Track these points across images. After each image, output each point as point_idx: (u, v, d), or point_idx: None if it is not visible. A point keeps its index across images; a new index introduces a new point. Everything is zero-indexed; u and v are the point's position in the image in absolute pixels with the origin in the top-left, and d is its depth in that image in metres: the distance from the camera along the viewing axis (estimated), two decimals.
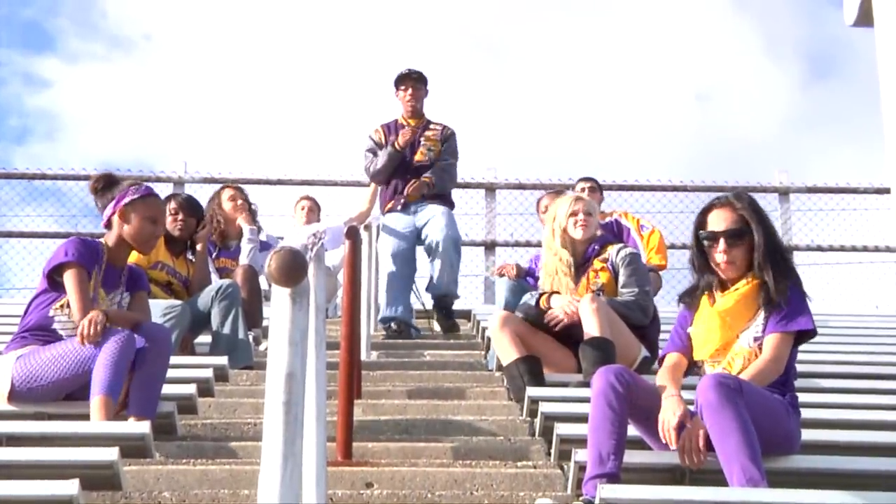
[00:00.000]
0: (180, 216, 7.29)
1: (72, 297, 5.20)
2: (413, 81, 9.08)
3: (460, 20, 30.09)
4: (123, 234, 5.45)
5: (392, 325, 8.63)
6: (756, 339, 4.55)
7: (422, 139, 8.95)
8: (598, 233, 6.54)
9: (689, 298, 4.73)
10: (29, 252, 12.00)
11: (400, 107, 9.15)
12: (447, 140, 9.03)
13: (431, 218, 8.77)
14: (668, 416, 4.33)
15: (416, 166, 8.89)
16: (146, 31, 31.28)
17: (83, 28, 31.64)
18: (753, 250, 4.59)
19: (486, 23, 30.16)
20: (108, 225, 5.50)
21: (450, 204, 9.05)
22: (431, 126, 9.07)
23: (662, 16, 29.90)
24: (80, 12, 32.00)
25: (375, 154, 8.94)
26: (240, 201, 8.21)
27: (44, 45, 31.77)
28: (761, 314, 4.56)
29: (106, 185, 5.54)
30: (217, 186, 8.79)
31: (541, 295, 6.27)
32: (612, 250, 6.40)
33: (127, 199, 5.46)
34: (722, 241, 4.59)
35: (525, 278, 7.73)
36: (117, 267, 5.47)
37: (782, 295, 4.52)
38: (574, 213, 6.39)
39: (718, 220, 4.63)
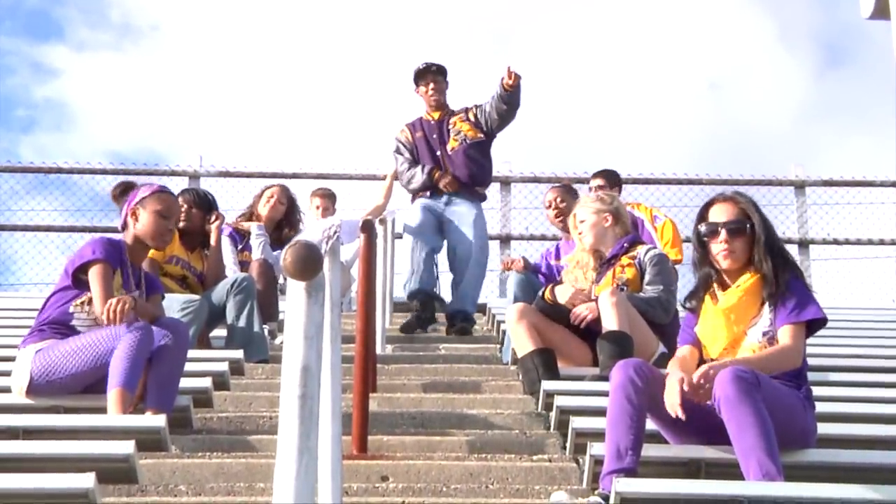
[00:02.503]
0: (185, 207, 7.29)
1: (95, 292, 5.24)
2: (433, 75, 8.79)
3: (473, 11, 30.08)
4: (137, 233, 5.50)
5: (419, 298, 8.45)
6: (765, 334, 4.55)
7: (449, 128, 8.71)
8: (616, 228, 6.50)
9: (693, 301, 4.76)
10: (45, 246, 12.00)
11: (422, 102, 8.87)
12: (478, 108, 8.68)
13: (461, 220, 8.55)
14: (671, 389, 4.33)
15: (450, 155, 8.65)
16: (153, 21, 31.24)
17: (91, 16, 31.62)
18: (753, 244, 4.62)
19: (498, 15, 30.15)
20: (125, 226, 5.56)
21: (481, 196, 8.79)
22: (455, 113, 8.78)
23: (676, 3, 29.85)
24: (87, 0, 31.99)
25: (401, 153, 8.72)
26: (273, 200, 8.24)
27: (51, 33, 31.74)
28: (766, 309, 4.57)
29: (123, 191, 5.68)
30: (231, 180, 8.84)
31: (547, 287, 6.36)
32: (641, 249, 6.44)
33: (137, 198, 5.54)
34: (723, 231, 4.62)
35: (534, 273, 7.71)
36: (136, 266, 5.54)
37: (784, 286, 4.54)
38: (576, 227, 6.53)
39: (720, 213, 4.67)
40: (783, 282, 4.55)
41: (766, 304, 4.57)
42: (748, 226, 4.62)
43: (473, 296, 8.65)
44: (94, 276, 5.26)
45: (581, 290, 6.24)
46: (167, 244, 5.65)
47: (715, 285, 4.69)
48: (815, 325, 4.59)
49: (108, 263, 5.30)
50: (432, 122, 8.79)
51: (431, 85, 8.78)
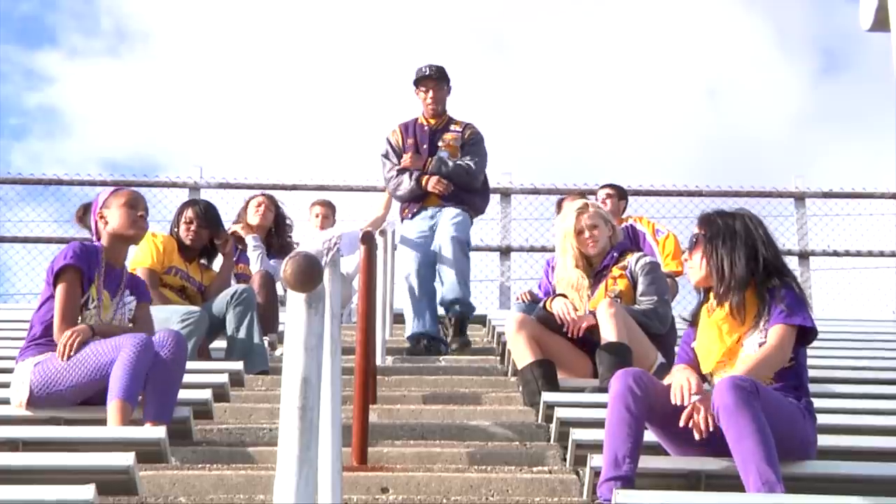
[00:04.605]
0: (194, 225, 7.21)
1: (57, 302, 5.28)
2: (433, 82, 8.45)
3: (472, 20, 30.09)
4: (111, 231, 5.54)
5: (423, 341, 8.19)
6: (761, 345, 4.55)
7: (440, 143, 8.43)
8: (613, 238, 6.49)
9: (692, 318, 4.83)
10: (43, 255, 11.95)
11: (420, 107, 8.56)
12: (468, 143, 8.44)
13: (444, 221, 8.28)
14: (681, 380, 4.38)
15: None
16: (146, 27, 31.11)
17: (85, 22, 31.51)
18: (707, 258, 4.69)
19: (497, 24, 30.16)
20: (98, 233, 5.60)
21: (474, 206, 8.50)
22: (452, 127, 8.52)
23: (675, 11, 29.87)
24: (80, 5, 31.90)
25: (389, 159, 8.45)
26: (262, 209, 8.24)
27: (44, 39, 31.59)
28: (763, 320, 4.59)
29: (85, 210, 5.75)
30: (231, 192, 8.86)
31: (548, 299, 6.34)
32: (631, 259, 6.39)
33: (100, 203, 5.60)
34: (687, 251, 4.83)
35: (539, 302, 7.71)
36: (116, 267, 5.54)
37: (776, 297, 4.57)
38: (580, 232, 6.37)
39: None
40: (773, 294, 4.58)
41: (763, 316, 4.58)
42: (697, 238, 4.73)
43: (463, 281, 8.26)
44: (61, 285, 5.30)
45: (572, 315, 6.17)
46: (143, 231, 5.66)
47: (711, 298, 4.72)
48: (805, 334, 4.59)
49: (79, 269, 5.32)
50: (426, 129, 8.50)
51: (431, 93, 8.47)
